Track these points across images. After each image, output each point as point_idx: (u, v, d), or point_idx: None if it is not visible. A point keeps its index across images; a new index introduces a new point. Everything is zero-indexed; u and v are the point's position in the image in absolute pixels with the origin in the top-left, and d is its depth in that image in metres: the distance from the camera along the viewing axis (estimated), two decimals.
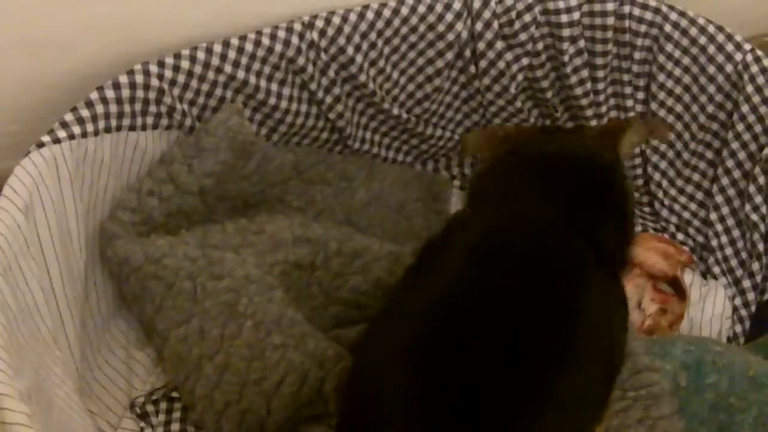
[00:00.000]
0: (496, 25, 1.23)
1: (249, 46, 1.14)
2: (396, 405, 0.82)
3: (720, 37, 1.22)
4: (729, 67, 1.23)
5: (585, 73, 1.27)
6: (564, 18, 1.22)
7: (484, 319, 0.84)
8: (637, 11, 1.23)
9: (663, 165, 1.34)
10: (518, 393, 0.82)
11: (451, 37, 1.23)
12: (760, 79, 1.20)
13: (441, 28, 1.23)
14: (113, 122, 1.07)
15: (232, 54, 1.13)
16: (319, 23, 1.17)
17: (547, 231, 0.94)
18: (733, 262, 1.28)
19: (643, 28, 1.24)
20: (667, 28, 1.23)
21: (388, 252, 1.18)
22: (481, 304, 0.86)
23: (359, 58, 1.21)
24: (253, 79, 1.16)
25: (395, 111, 1.28)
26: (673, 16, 1.23)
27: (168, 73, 1.10)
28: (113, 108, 1.06)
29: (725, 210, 1.29)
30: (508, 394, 0.81)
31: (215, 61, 1.12)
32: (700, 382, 1.02)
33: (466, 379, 0.81)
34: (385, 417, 0.83)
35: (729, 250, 1.29)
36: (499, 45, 1.24)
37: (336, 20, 1.18)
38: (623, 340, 0.95)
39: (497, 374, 0.82)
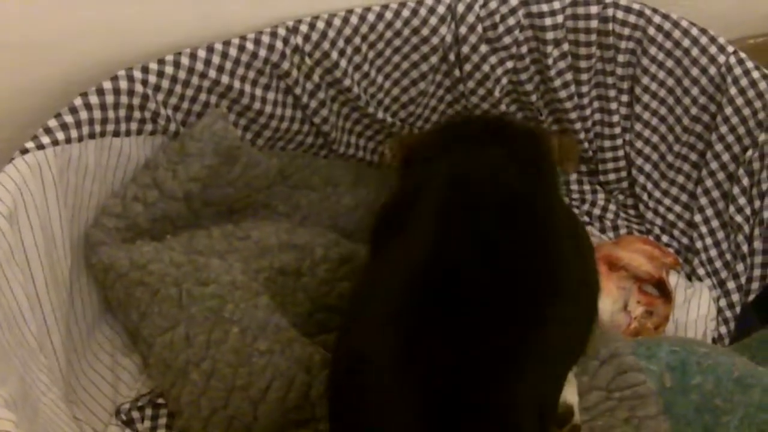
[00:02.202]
0: (480, 28, 1.23)
1: (233, 51, 1.13)
2: (384, 379, 0.83)
3: (703, 40, 1.23)
4: (713, 70, 1.23)
5: (569, 76, 1.27)
6: (548, 21, 1.22)
7: (464, 274, 0.87)
8: (620, 14, 1.23)
9: (647, 167, 1.35)
10: (511, 341, 0.84)
11: (435, 40, 1.23)
12: (744, 81, 1.21)
13: (425, 31, 1.23)
14: (97, 128, 1.06)
15: (216, 59, 1.13)
16: (304, 28, 1.17)
17: (499, 174, 0.99)
18: (718, 264, 1.29)
19: (626, 31, 1.24)
20: (651, 31, 1.24)
21: None
22: (457, 260, 0.88)
23: (344, 63, 1.21)
24: (237, 84, 1.15)
25: (380, 115, 1.28)
26: (657, 18, 1.23)
27: (152, 79, 1.10)
28: (97, 114, 1.06)
29: (710, 212, 1.30)
30: (499, 347, 0.83)
31: (199, 66, 1.12)
32: (685, 383, 1.02)
33: (455, 339, 0.83)
34: (374, 391, 0.83)
35: (714, 252, 1.29)
36: (484, 48, 1.24)
37: (320, 25, 1.18)
38: (592, 255, 1.01)
39: (486, 329, 0.84)
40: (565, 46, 1.24)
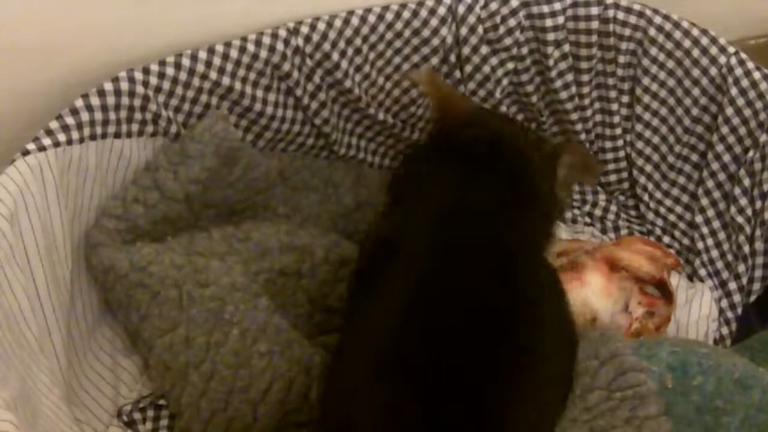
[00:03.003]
0: (480, 29, 1.23)
1: (234, 53, 1.13)
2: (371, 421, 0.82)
3: (704, 41, 1.23)
4: (713, 70, 1.23)
5: (570, 77, 1.27)
6: (548, 22, 1.22)
7: (446, 326, 0.85)
8: (621, 15, 1.23)
9: (648, 168, 1.35)
10: (492, 393, 0.83)
11: (436, 42, 1.24)
12: (745, 82, 1.21)
13: (426, 33, 1.23)
14: (98, 129, 1.06)
15: (217, 60, 1.13)
16: (304, 29, 1.17)
17: (483, 225, 0.95)
18: (719, 265, 1.29)
19: (627, 31, 1.24)
20: (652, 31, 1.24)
21: None
22: (440, 311, 0.86)
23: (344, 64, 1.21)
24: (238, 86, 1.15)
25: (381, 116, 1.28)
26: (658, 19, 1.23)
27: (153, 80, 1.10)
28: (98, 115, 1.06)
29: (711, 212, 1.30)
30: (481, 396, 0.82)
31: (200, 67, 1.12)
32: (686, 384, 1.02)
33: (439, 389, 0.81)
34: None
35: (715, 253, 1.29)
36: (484, 49, 1.24)
37: (321, 26, 1.18)
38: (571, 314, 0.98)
39: (467, 380, 0.82)
40: (566, 47, 1.24)
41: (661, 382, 1.02)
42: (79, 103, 1.05)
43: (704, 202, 1.30)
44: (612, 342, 1.05)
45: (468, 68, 1.26)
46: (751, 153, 1.22)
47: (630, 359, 1.03)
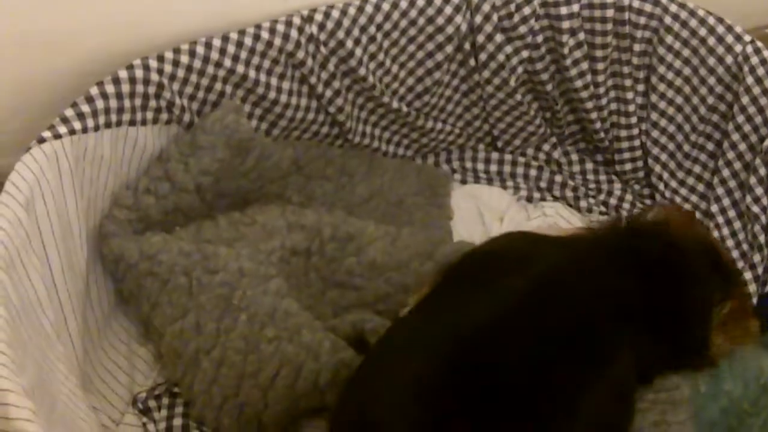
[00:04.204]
0: (495, 17, 1.23)
1: (248, 40, 1.13)
2: None
3: (720, 29, 1.22)
4: (729, 59, 1.22)
5: (585, 65, 1.27)
6: (563, 10, 1.22)
7: (503, 370, 0.81)
8: (636, 3, 1.23)
9: (664, 157, 1.34)
10: None
11: (450, 29, 1.23)
12: (761, 71, 1.20)
13: (440, 20, 1.22)
14: (113, 117, 1.06)
15: (231, 48, 1.13)
16: (318, 17, 1.17)
17: (603, 301, 0.89)
18: (734, 254, 1.28)
19: (642, 20, 1.24)
20: (667, 19, 1.23)
21: (385, 233, 1.18)
22: (505, 353, 0.82)
23: (359, 52, 1.20)
24: (252, 74, 1.15)
25: (395, 104, 1.28)
26: (673, 7, 1.23)
27: (167, 68, 1.10)
28: (113, 103, 1.06)
29: (726, 202, 1.29)
30: None
31: (214, 55, 1.12)
32: (717, 389, 1.01)
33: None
34: None
35: (730, 242, 1.29)
36: (499, 38, 1.24)
37: (335, 14, 1.17)
38: None
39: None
40: (581, 36, 1.24)
41: (694, 386, 1.01)
42: (94, 90, 1.05)
43: (720, 191, 1.29)
44: None
45: (482, 56, 1.26)
46: (767, 142, 1.21)
47: None
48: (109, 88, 1.06)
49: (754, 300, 1.24)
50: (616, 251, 0.94)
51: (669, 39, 1.25)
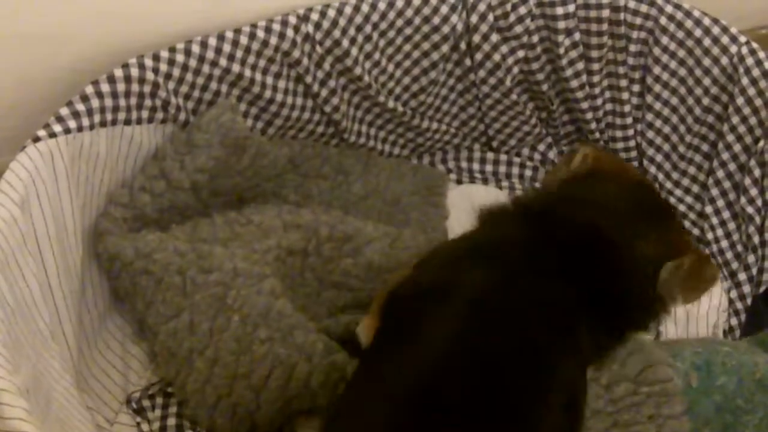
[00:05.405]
0: (491, 17, 1.23)
1: (244, 40, 1.13)
2: None
3: (715, 30, 1.22)
4: (724, 60, 1.23)
5: (580, 65, 1.27)
6: (559, 10, 1.22)
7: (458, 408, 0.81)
8: (632, 3, 1.23)
9: (659, 158, 1.34)
10: None
11: (446, 29, 1.23)
12: (755, 72, 1.20)
13: (436, 20, 1.22)
14: (108, 116, 1.06)
15: (227, 47, 1.12)
16: (315, 16, 1.16)
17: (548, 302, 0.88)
18: (729, 255, 1.29)
19: (638, 20, 1.24)
20: (663, 20, 1.23)
21: (384, 234, 1.18)
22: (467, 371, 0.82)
23: (354, 51, 1.20)
24: (248, 73, 1.15)
25: (391, 104, 1.28)
26: (669, 8, 1.23)
27: (163, 67, 1.09)
28: (108, 102, 1.06)
29: (720, 203, 1.29)
30: None
31: (210, 54, 1.12)
32: (710, 384, 1.02)
33: None
34: None
35: (725, 243, 1.29)
36: (495, 37, 1.24)
37: (331, 13, 1.17)
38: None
39: None
40: (577, 36, 1.24)
41: (686, 380, 1.02)
42: (90, 89, 1.05)
43: (714, 192, 1.30)
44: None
45: (478, 56, 1.26)
46: (761, 143, 1.22)
47: (657, 352, 1.02)
48: (105, 87, 1.05)
49: (748, 301, 1.25)
50: (537, 253, 0.91)
51: (664, 40, 1.25)
